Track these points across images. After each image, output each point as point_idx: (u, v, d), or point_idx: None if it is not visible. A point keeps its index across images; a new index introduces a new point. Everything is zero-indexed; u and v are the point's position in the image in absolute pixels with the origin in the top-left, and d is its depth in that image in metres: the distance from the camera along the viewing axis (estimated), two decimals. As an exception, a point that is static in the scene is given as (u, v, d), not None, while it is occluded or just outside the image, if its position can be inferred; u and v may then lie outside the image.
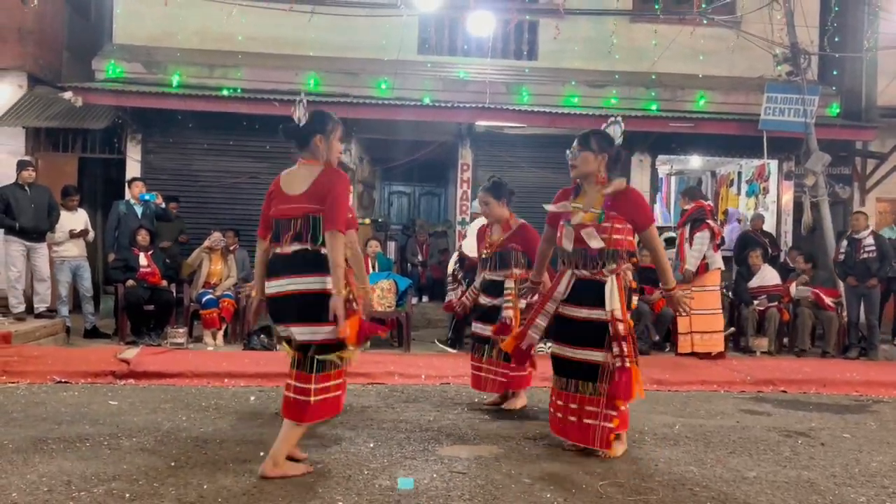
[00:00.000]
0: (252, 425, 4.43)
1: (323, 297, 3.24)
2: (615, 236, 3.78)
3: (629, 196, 3.87)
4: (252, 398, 5.30)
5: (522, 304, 4.81)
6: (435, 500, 3.13)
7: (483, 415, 4.89)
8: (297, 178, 3.45)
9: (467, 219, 10.50)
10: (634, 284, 3.72)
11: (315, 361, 3.30)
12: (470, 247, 8.64)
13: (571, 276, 3.92)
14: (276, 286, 3.37)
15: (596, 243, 3.79)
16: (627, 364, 3.71)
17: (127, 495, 3.07)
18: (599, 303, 3.78)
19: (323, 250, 3.31)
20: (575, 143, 3.94)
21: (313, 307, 3.25)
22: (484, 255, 5.14)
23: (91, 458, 3.60)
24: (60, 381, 5.63)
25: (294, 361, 3.38)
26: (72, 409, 4.75)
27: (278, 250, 3.41)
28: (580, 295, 3.88)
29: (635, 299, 4.11)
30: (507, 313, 4.82)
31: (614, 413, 3.78)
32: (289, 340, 3.44)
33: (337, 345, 3.28)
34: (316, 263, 3.30)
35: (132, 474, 3.37)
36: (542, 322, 4.00)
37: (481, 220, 8.53)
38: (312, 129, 3.47)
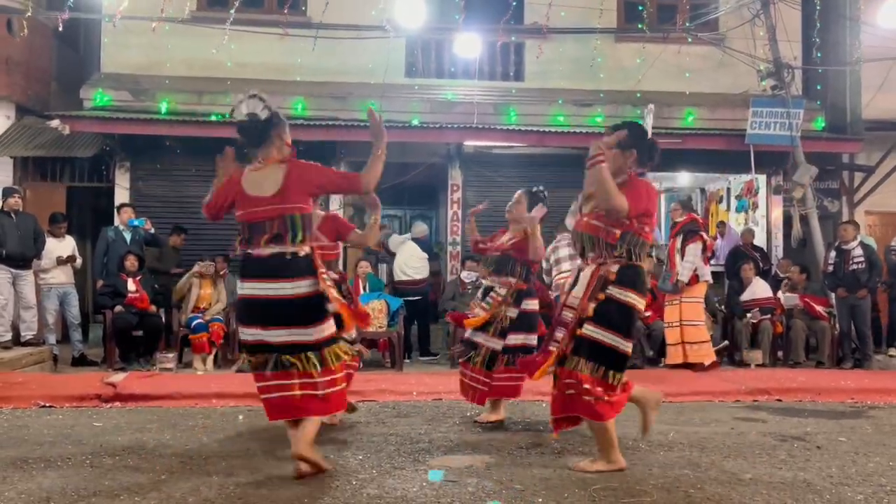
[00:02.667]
0: (239, 442, 4.35)
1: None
2: (591, 220, 3.62)
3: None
4: (241, 417, 5.20)
5: (514, 312, 4.76)
6: (424, 507, 3.07)
7: (475, 427, 4.80)
8: (264, 179, 3.53)
9: (458, 239, 10.47)
10: (613, 276, 3.57)
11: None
12: (400, 268, 9.22)
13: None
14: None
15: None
16: (552, 348, 3.59)
17: (107, 509, 3.00)
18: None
19: (301, 252, 3.43)
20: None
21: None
22: (488, 259, 5.06)
23: (72, 476, 3.52)
24: (45, 406, 5.53)
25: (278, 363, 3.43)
26: (55, 430, 4.66)
27: (252, 252, 3.43)
28: None
29: None
30: (476, 311, 4.83)
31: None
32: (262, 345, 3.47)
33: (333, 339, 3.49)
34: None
35: (114, 490, 3.28)
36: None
37: (406, 237, 9.28)
38: (271, 126, 3.55)
